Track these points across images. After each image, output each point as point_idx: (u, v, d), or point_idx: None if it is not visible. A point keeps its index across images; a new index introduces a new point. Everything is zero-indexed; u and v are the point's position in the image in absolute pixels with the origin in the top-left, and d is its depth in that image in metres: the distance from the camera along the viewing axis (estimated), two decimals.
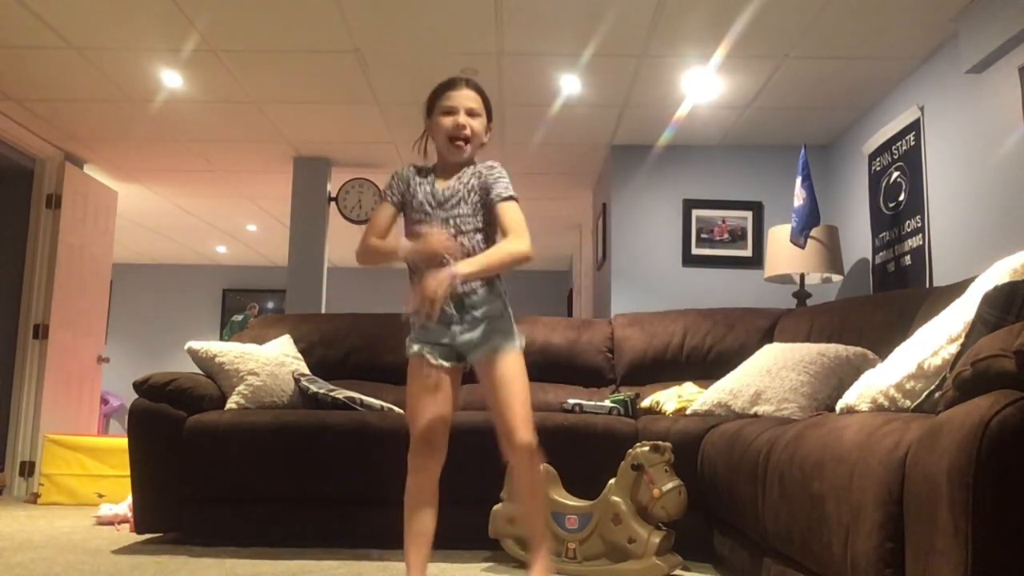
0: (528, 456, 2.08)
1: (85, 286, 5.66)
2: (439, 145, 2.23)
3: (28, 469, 5.17)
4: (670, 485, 2.60)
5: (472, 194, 2.17)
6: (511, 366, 2.10)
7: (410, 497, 2.13)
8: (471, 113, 2.19)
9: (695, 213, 5.21)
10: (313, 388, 3.45)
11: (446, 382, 2.13)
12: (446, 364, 2.13)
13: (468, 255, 2.10)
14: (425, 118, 2.26)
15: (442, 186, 2.20)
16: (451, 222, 2.15)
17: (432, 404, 2.11)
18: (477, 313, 2.12)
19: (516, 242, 2.10)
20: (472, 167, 2.23)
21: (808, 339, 3.45)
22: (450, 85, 2.22)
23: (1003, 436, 1.16)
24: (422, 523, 2.12)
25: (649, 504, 2.60)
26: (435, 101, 2.23)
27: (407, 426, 3.11)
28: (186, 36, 3.88)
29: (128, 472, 3.20)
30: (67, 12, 3.69)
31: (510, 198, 2.14)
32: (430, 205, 2.17)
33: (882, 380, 1.93)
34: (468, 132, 2.18)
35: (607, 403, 3.38)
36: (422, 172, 2.25)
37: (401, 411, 3.48)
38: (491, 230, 2.18)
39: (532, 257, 2.10)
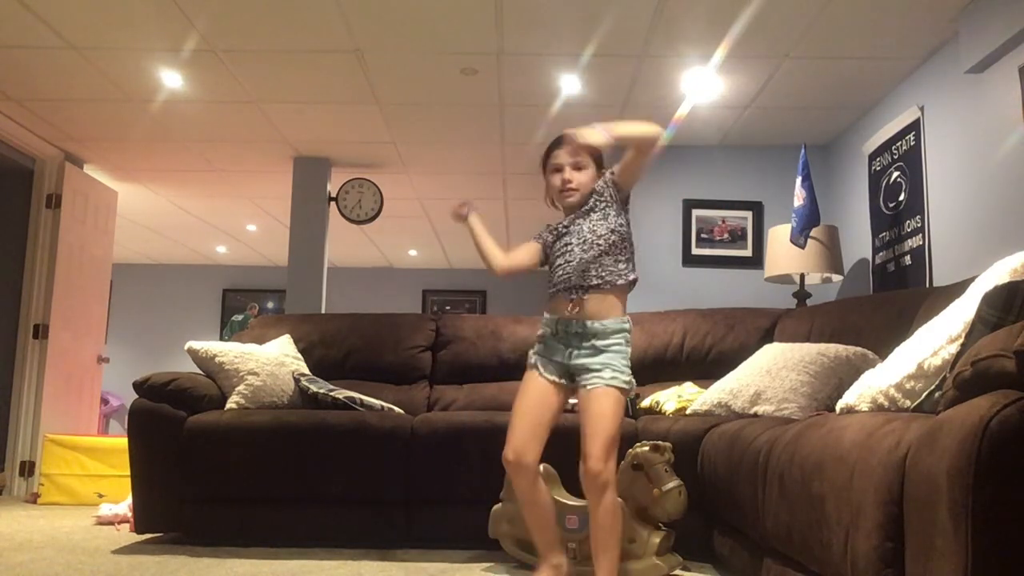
0: (599, 484, 2.17)
1: (85, 286, 5.66)
2: (556, 199, 2.47)
3: (28, 469, 5.17)
4: (670, 485, 2.59)
5: (600, 202, 2.38)
6: (610, 403, 2.20)
7: (519, 495, 2.31)
8: (577, 167, 2.39)
9: (695, 213, 5.21)
10: (313, 388, 3.45)
11: (550, 396, 2.28)
12: (556, 380, 2.28)
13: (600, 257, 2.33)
14: (543, 176, 2.48)
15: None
16: (582, 235, 2.35)
17: (528, 415, 2.27)
18: (599, 343, 2.24)
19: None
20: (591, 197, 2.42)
21: (808, 339, 3.45)
22: (556, 144, 2.42)
23: (1003, 436, 1.16)
24: (537, 510, 2.31)
25: (649, 504, 2.60)
26: (546, 160, 2.44)
27: (407, 426, 3.15)
28: (186, 36, 3.88)
29: (128, 472, 3.20)
30: (67, 12, 3.69)
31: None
32: (574, 237, 2.38)
33: (882, 380, 1.92)
34: (574, 185, 2.38)
35: None
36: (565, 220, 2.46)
37: (400, 411, 3.49)
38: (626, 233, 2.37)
39: (662, 137, 2.34)
